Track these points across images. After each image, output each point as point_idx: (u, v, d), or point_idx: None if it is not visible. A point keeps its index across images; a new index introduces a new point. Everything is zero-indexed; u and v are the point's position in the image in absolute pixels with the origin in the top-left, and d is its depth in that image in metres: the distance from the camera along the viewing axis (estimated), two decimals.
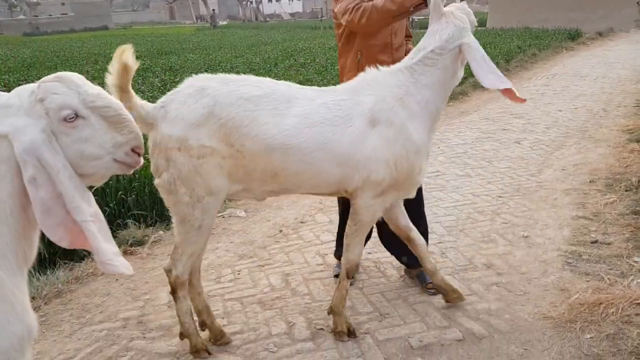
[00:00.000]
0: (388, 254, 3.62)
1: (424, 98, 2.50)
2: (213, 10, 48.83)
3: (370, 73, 2.56)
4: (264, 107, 2.33)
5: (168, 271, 2.57)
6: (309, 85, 4.05)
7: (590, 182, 4.76)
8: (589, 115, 7.32)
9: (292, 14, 59.70)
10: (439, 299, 3.04)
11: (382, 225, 3.27)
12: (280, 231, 4.14)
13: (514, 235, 3.82)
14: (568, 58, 13.24)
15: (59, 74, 1.63)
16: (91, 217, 1.54)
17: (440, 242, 3.76)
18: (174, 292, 2.58)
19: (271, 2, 67.71)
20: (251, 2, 57.52)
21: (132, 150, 1.68)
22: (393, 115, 2.43)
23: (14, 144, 1.45)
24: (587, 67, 11.51)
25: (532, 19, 20.76)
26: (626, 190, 4.43)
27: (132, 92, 2.27)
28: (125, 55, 2.15)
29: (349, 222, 2.65)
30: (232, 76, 2.46)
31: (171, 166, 2.31)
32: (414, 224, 3.07)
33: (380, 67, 2.58)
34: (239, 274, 3.50)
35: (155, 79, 11.34)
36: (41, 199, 1.46)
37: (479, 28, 22.59)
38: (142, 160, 1.72)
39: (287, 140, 2.32)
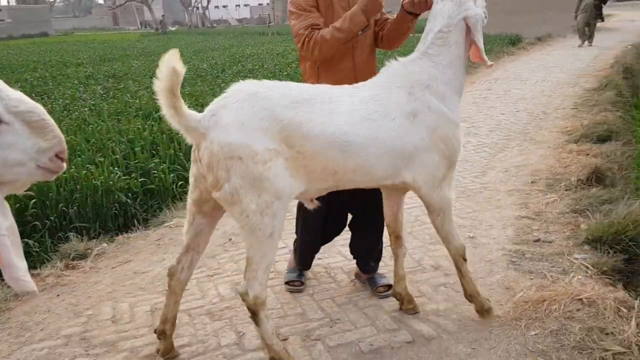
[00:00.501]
0: (339, 259, 3.63)
1: (448, 78, 2.56)
2: (162, 16, 48.15)
3: (392, 66, 2.58)
4: (316, 107, 2.33)
5: (244, 294, 2.37)
6: None
7: (531, 182, 4.91)
8: (530, 118, 7.56)
9: (239, 20, 59.43)
10: (388, 303, 3.06)
11: (354, 227, 3.30)
12: (230, 239, 4.08)
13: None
14: (509, 62, 13.65)
15: None
16: (6, 231, 1.48)
17: (389, 246, 3.77)
18: (254, 315, 2.40)
19: (218, 8, 67.19)
20: (197, 8, 56.95)
21: (56, 155, 1.63)
22: (427, 102, 2.49)
23: None
24: (527, 71, 11.90)
25: None
26: (566, 190, 4.59)
27: (181, 98, 2.16)
28: (173, 60, 2.05)
29: (431, 217, 2.70)
30: (276, 82, 2.44)
31: (232, 176, 2.19)
32: (370, 245, 3.24)
33: (400, 58, 2.61)
34: (186, 285, 3.42)
35: (97, 86, 11.04)
36: None
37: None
38: (65, 166, 1.67)
39: (345, 137, 2.32)
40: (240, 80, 2.41)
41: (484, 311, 2.82)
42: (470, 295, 2.84)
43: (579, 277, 3.18)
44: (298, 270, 3.37)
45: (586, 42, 16.24)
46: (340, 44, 2.77)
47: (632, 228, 3.52)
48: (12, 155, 1.54)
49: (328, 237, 3.37)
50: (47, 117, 1.60)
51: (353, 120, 2.36)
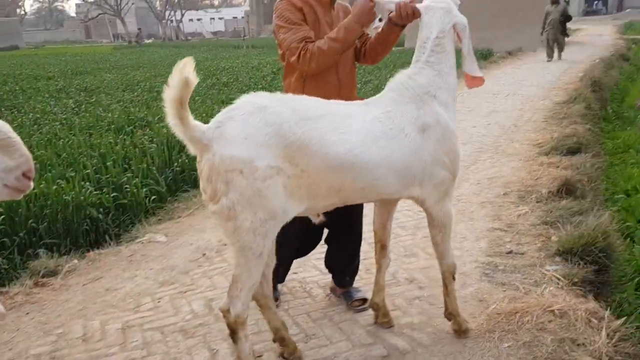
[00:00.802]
0: (314, 273, 3.63)
1: (449, 85, 2.61)
2: (139, 29, 48.02)
3: (400, 80, 2.59)
4: (327, 125, 2.29)
5: (226, 311, 2.36)
6: None
7: (504, 194, 4.97)
8: (501, 131, 7.67)
9: (214, 33, 59.37)
10: (363, 317, 3.05)
11: (330, 241, 3.29)
12: (204, 255, 4.04)
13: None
14: None
15: None
16: None
17: (364, 259, 3.75)
18: (233, 333, 2.37)
19: (192, 21, 67.07)
20: (171, 21, 56.77)
21: (23, 174, 1.60)
22: (436, 115, 2.52)
23: None
24: (498, 85, 12.08)
25: None
26: (537, 202, 4.65)
27: (188, 108, 2.11)
28: (187, 69, 2.01)
29: (432, 232, 2.68)
30: (288, 95, 2.43)
31: (231, 190, 2.14)
32: (348, 259, 3.24)
33: (403, 71, 2.63)
34: (159, 301, 3.37)
35: (69, 100, 10.89)
36: None
37: (396, 48, 23.29)
38: (32, 185, 1.64)
39: (357, 158, 2.31)
40: (234, 94, 2.40)
41: (461, 331, 2.82)
42: (451, 314, 2.84)
43: (551, 288, 3.22)
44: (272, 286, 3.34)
45: (556, 56, 16.37)
46: (337, 54, 2.76)
47: (601, 239, 3.58)
48: None
49: (304, 251, 3.36)
50: (14, 135, 1.57)
51: (366, 139, 2.35)
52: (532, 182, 5.20)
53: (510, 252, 3.76)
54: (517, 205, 4.65)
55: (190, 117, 2.14)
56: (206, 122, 6.19)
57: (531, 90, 11.13)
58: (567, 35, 17.20)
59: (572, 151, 6.06)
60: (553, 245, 3.76)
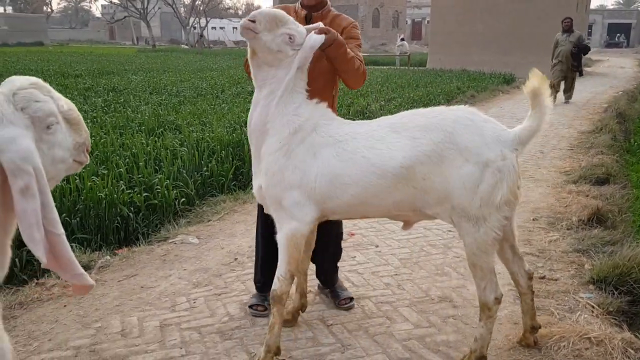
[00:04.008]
0: (347, 285, 3.64)
1: None
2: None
3: None
4: None
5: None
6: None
7: (533, 220, 4.97)
8: (528, 157, 7.65)
9: (236, 42, 59.86)
10: (398, 331, 3.06)
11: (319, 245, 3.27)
12: (236, 259, 4.07)
13: (465, 269, 3.90)
14: (504, 101, 13.88)
15: (30, 79, 1.61)
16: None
17: (396, 274, 3.81)
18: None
19: (215, 29, 67.78)
20: (195, 28, 57.37)
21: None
22: None
23: (4, 154, 1.41)
24: (522, 110, 12.07)
25: (469, 61, 21.71)
26: (567, 229, 4.65)
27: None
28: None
29: None
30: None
31: None
32: (334, 258, 3.47)
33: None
34: (194, 302, 3.41)
35: (98, 99, 11.04)
36: (33, 211, 1.42)
37: (419, 68, 23.42)
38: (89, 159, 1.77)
39: None
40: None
41: None
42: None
43: (585, 315, 3.22)
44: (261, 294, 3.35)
45: (561, 97, 13.02)
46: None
47: (637, 270, 3.57)
48: (59, 153, 1.62)
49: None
50: (78, 112, 1.70)
51: None
52: (561, 209, 5.20)
53: (544, 277, 3.76)
54: (548, 231, 4.65)
55: None
56: (233, 129, 6.21)
57: (554, 117, 10.98)
58: (581, 73, 13.36)
59: (601, 181, 6.05)
60: (586, 273, 3.75)
